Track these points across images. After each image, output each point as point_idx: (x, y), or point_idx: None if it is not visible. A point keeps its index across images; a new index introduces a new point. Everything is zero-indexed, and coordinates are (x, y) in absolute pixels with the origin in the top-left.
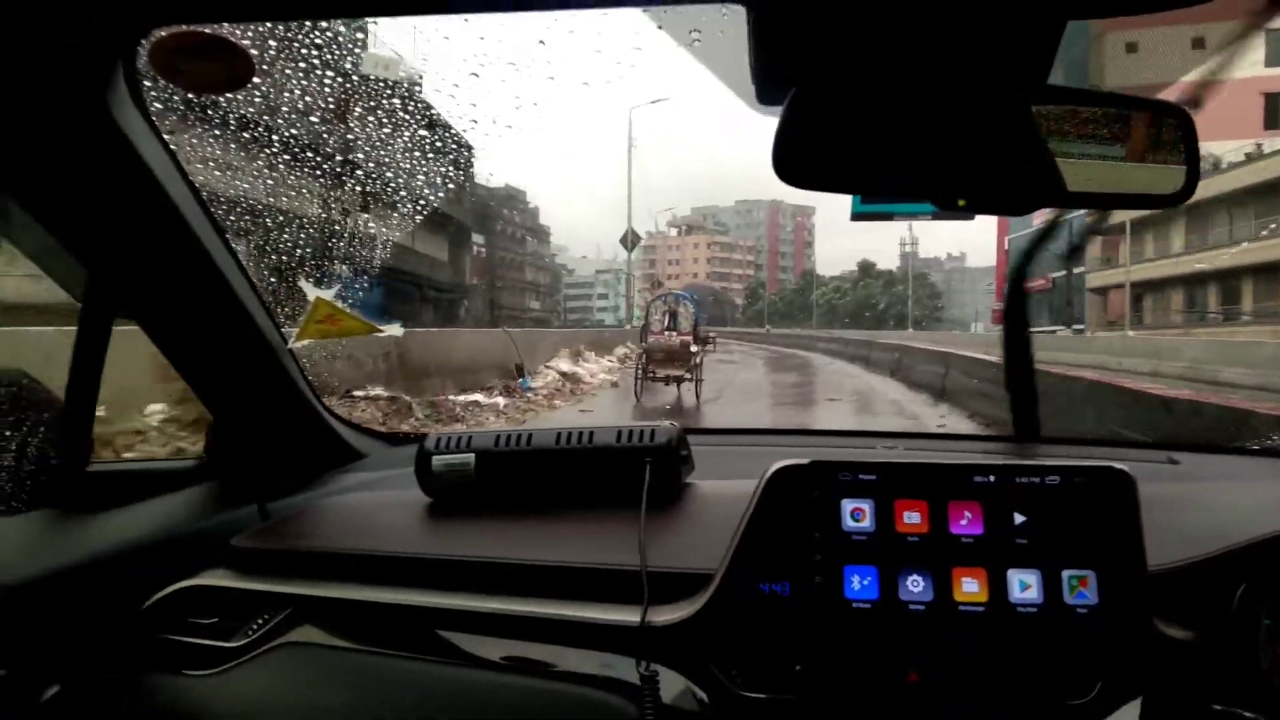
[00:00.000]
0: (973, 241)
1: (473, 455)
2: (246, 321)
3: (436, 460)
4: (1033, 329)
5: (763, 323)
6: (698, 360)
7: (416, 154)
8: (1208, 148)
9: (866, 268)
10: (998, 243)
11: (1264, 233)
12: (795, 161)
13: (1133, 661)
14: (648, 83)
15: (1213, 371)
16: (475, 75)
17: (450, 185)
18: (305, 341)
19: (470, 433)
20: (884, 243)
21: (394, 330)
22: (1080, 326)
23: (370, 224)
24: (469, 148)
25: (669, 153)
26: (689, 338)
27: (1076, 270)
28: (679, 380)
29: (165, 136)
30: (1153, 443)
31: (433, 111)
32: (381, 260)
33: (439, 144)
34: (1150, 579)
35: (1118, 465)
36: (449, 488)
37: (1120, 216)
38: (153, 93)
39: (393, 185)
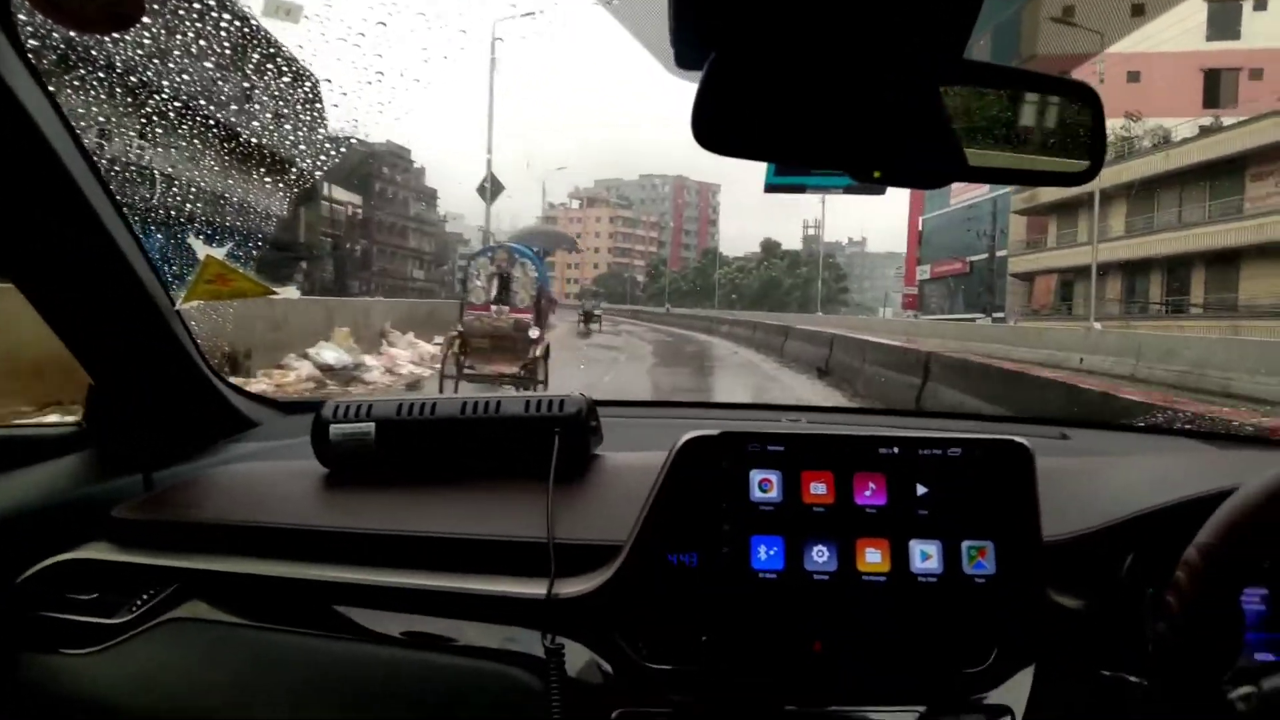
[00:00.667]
0: (872, 226)
1: (373, 424)
2: (131, 279)
3: (334, 429)
4: (947, 316)
5: (663, 301)
6: (538, 353)
7: (290, 107)
8: (1158, 121)
9: (770, 248)
10: (909, 224)
11: (1222, 215)
12: (714, 126)
13: (1027, 630)
14: (564, 41)
15: (1222, 380)
16: (383, 24)
17: (318, 139)
18: (194, 302)
19: (370, 400)
20: (787, 225)
21: (289, 292)
22: (1000, 314)
23: (242, 180)
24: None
25: (570, 123)
26: (527, 316)
27: (999, 253)
28: (513, 381)
29: (44, 79)
30: (1045, 419)
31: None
32: (246, 218)
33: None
34: (1045, 549)
35: (1017, 439)
36: (348, 457)
37: (1049, 196)
38: (29, 28)
39: (257, 135)
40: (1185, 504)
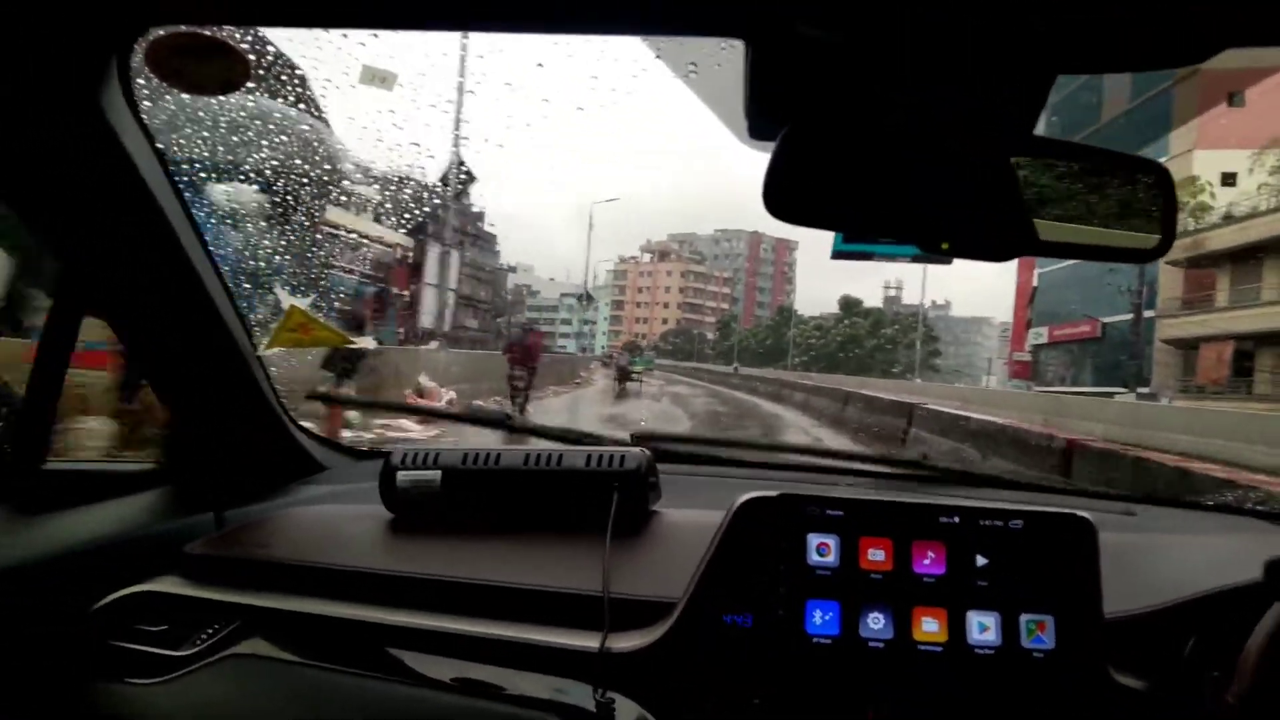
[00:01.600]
0: (958, 288)
1: (439, 472)
2: (217, 325)
3: (402, 476)
4: (1071, 388)
5: (731, 360)
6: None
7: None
8: None
9: (850, 304)
10: (1019, 281)
11: None
12: (784, 196)
13: (1087, 707)
14: (640, 109)
15: None
16: (471, 92)
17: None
18: (275, 349)
19: (438, 449)
20: (865, 285)
21: (366, 342)
22: (1146, 389)
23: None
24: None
25: (648, 176)
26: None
27: (1146, 314)
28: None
29: (153, 136)
30: (1111, 494)
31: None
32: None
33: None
34: (1107, 627)
35: (1080, 513)
36: (413, 504)
37: (1222, 243)
38: (145, 91)
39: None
40: (1252, 587)
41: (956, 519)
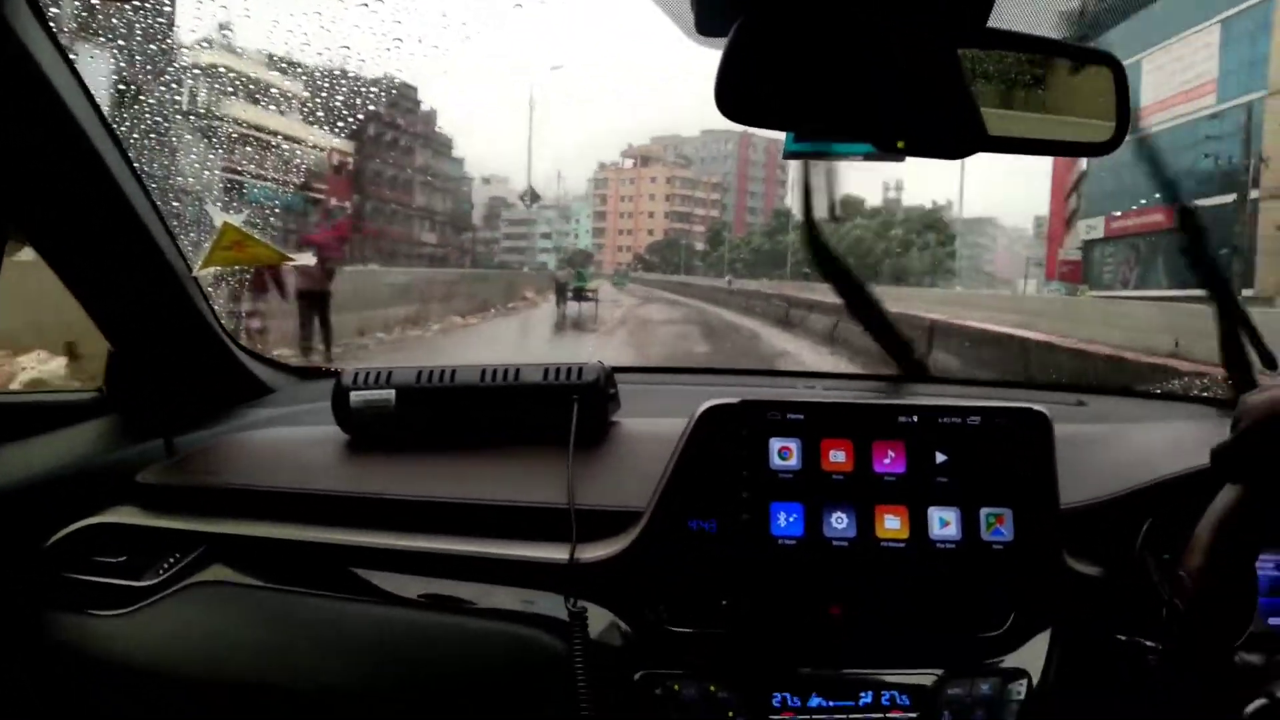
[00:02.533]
0: (956, 188)
1: (393, 391)
2: (150, 246)
3: (355, 396)
4: (1136, 291)
5: (724, 271)
6: None
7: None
8: None
9: (852, 204)
10: (1055, 171)
11: None
12: (737, 95)
13: (1044, 595)
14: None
15: None
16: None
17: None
18: (211, 268)
19: (390, 368)
20: (861, 188)
21: (305, 258)
22: (1251, 291)
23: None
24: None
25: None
26: None
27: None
28: None
29: (64, 47)
30: (1062, 385)
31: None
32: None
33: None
34: (1062, 517)
35: (1035, 407)
36: (368, 424)
37: None
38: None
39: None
40: (1201, 471)
41: (915, 418)
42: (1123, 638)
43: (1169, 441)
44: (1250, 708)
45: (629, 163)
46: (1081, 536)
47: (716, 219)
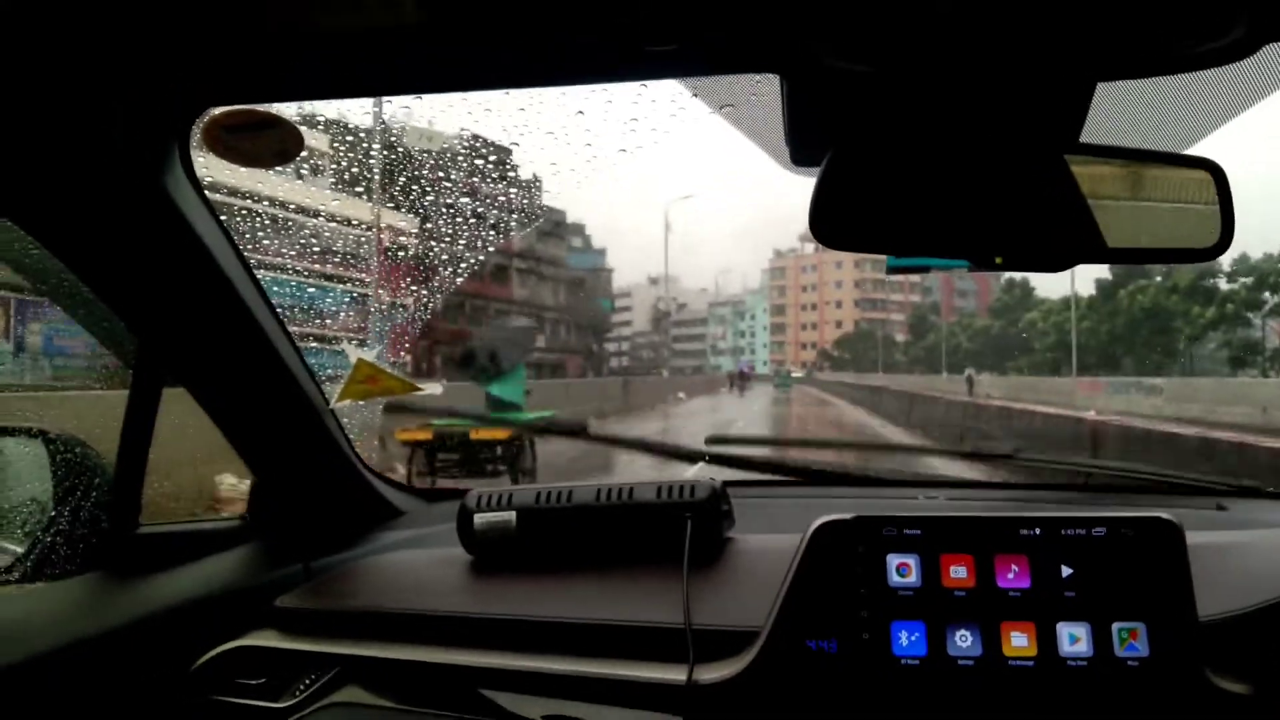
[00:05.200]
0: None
1: (514, 513)
2: (290, 384)
3: (479, 518)
4: None
5: (938, 366)
6: None
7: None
8: None
9: (1109, 286)
10: None
11: None
12: (832, 223)
13: (1187, 715)
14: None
15: None
16: (516, 144)
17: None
18: (347, 401)
19: (511, 489)
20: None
21: (433, 389)
22: None
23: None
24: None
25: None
26: None
27: None
28: None
29: (216, 211)
30: (1201, 489)
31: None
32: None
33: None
34: (1202, 629)
35: (1164, 515)
36: (491, 545)
37: None
38: (205, 167)
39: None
40: None
41: (1038, 530)
42: None
43: None
44: None
45: (810, 247)
46: (1226, 651)
47: (920, 303)
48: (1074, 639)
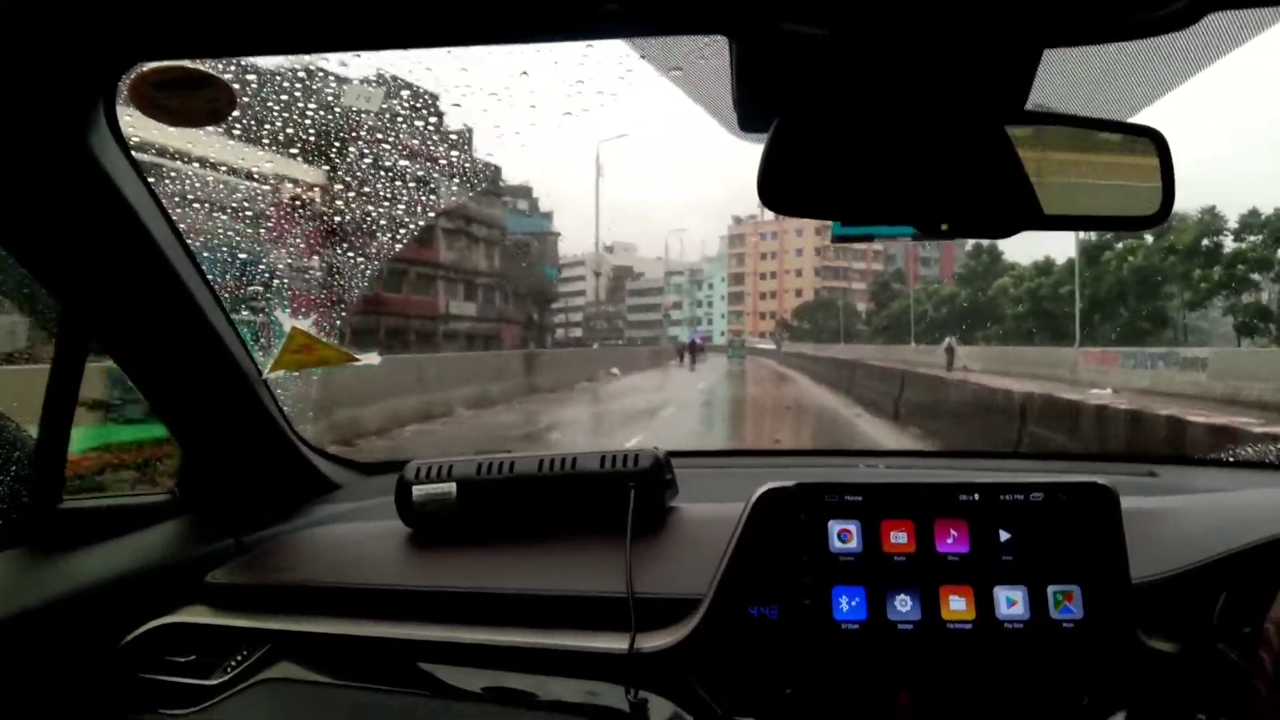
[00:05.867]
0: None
1: (454, 484)
2: (221, 354)
3: (417, 490)
4: None
5: (903, 336)
6: None
7: (399, 181)
8: None
9: (1097, 248)
10: None
11: None
12: (780, 189)
13: (1118, 674)
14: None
15: None
16: (457, 105)
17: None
18: (280, 372)
19: (451, 460)
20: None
21: (370, 358)
22: None
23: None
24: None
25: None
26: None
27: None
28: None
29: (143, 171)
30: (1131, 456)
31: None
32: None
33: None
34: (1134, 592)
35: (1100, 480)
36: (430, 517)
37: None
38: (133, 127)
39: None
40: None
41: (976, 496)
42: (1203, 717)
43: (1245, 511)
44: None
45: (771, 215)
46: (1156, 612)
47: (882, 271)
48: (1011, 602)
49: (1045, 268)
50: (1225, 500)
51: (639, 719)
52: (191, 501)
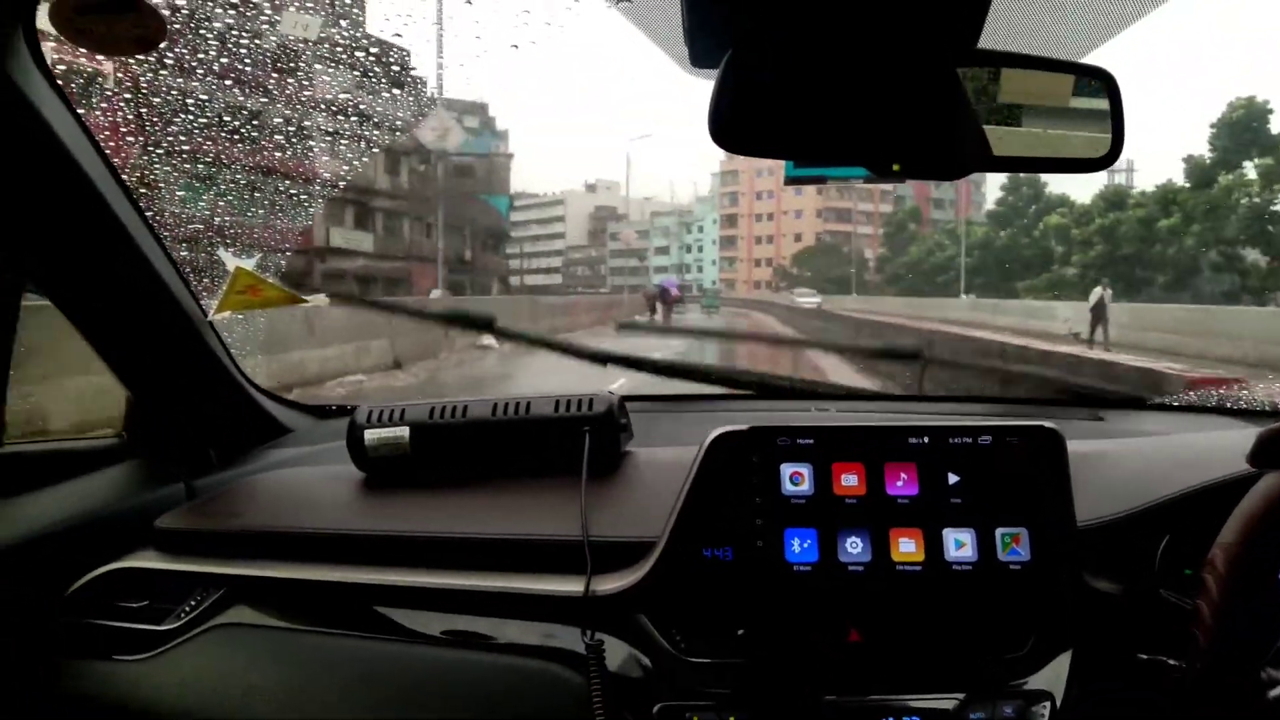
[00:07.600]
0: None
1: (407, 429)
2: (163, 294)
3: (369, 435)
4: None
5: (925, 287)
6: None
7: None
8: None
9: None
10: None
11: None
12: (730, 126)
13: (1064, 615)
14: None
15: None
16: (399, 35)
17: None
18: (225, 313)
19: (404, 405)
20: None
21: (318, 300)
22: None
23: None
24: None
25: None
26: None
27: None
28: None
29: (72, 102)
30: (1078, 400)
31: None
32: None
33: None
34: (1079, 534)
35: (1047, 424)
36: (383, 462)
37: None
38: (57, 55)
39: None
40: (1220, 485)
41: (926, 439)
42: (1145, 656)
43: (1189, 455)
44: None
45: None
46: (1101, 554)
47: (893, 213)
48: (959, 544)
49: (1117, 200)
50: (1169, 443)
51: (595, 661)
52: (139, 445)
